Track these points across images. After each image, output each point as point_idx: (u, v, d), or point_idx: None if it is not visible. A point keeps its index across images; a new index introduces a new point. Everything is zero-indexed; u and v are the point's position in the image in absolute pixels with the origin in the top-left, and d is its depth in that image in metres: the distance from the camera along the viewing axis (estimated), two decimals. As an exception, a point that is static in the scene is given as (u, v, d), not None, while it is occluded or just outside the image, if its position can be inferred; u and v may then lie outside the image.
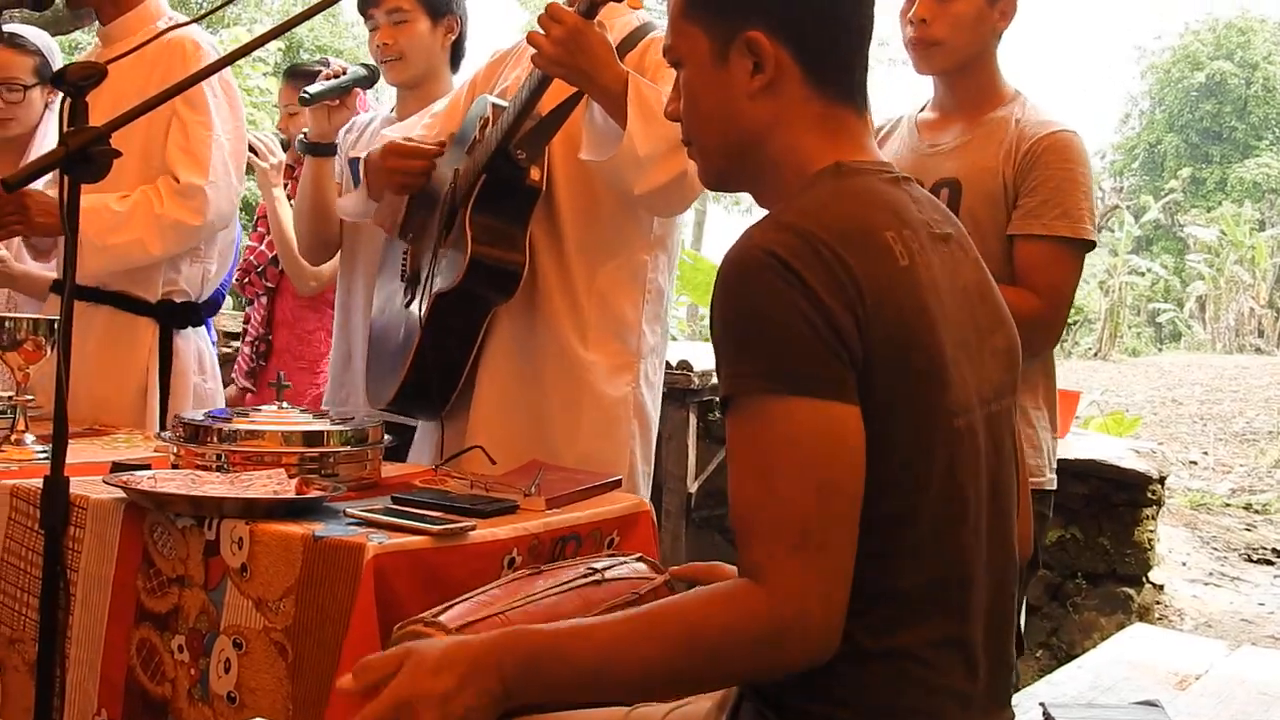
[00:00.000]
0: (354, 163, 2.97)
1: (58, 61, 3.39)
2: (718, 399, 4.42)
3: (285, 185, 3.54)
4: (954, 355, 1.45)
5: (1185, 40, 33.47)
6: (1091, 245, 2.48)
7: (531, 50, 2.33)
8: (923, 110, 2.63)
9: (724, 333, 1.42)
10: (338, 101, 3.05)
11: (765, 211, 1.55)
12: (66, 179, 1.78)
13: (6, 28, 3.11)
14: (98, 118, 1.78)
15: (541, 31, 2.28)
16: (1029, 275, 2.40)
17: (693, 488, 4.29)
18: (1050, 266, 2.42)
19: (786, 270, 1.37)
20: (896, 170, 1.56)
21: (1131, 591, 4.62)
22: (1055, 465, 2.58)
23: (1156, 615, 4.71)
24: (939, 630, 1.45)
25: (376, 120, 3.19)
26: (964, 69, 2.53)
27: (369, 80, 3.15)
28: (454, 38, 3.10)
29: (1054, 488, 2.58)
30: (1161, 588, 4.91)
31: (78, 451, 1.78)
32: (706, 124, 1.57)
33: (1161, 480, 4.82)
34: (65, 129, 1.78)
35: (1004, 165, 2.44)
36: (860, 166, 1.51)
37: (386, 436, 2.26)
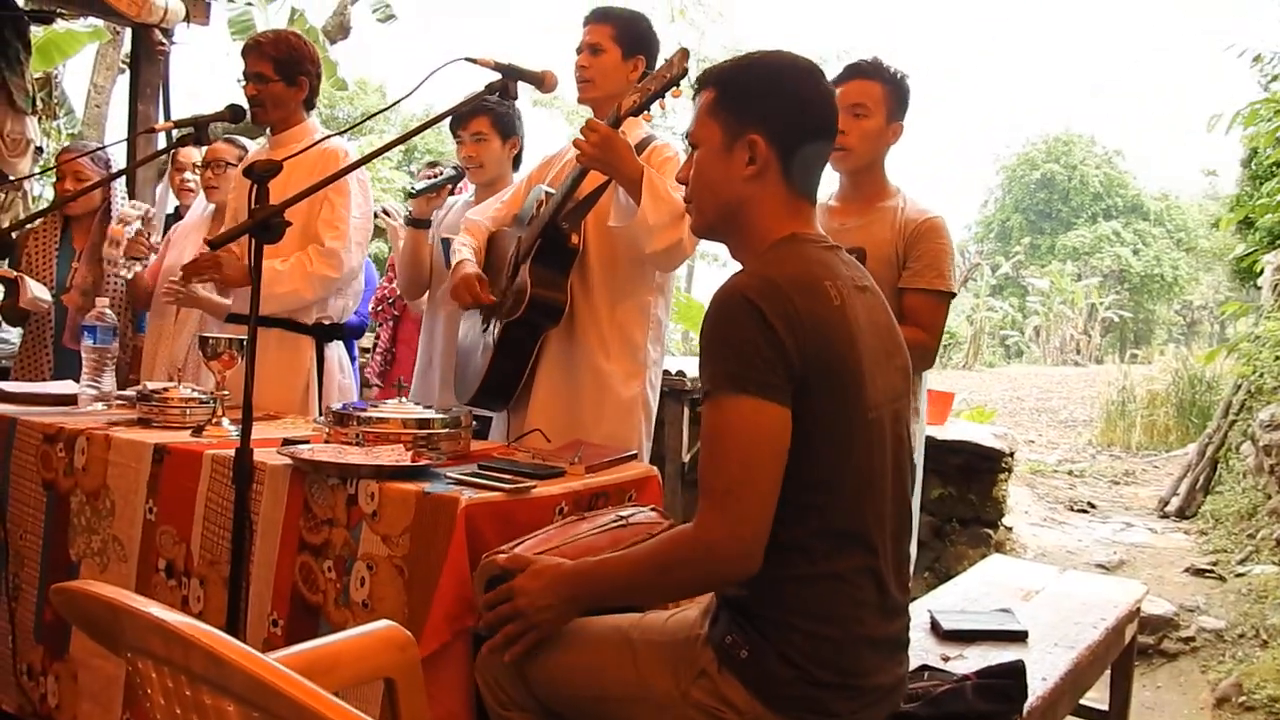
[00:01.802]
0: (445, 242, 2.96)
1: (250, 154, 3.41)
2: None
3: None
4: (869, 369, 1.46)
5: (1026, 149, 33.41)
6: (954, 295, 2.52)
7: (574, 152, 2.32)
8: (830, 200, 2.64)
9: (705, 347, 1.45)
10: (434, 194, 3.05)
11: (737, 261, 1.56)
12: (253, 241, 1.77)
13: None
14: (273, 198, 1.78)
15: (582, 138, 2.28)
16: (914, 317, 2.44)
17: (685, 459, 4.27)
18: (929, 311, 2.46)
19: (752, 306, 1.39)
20: (831, 241, 1.56)
21: (990, 531, 4.59)
22: (923, 450, 2.64)
23: (1008, 548, 4.67)
24: (860, 560, 1.45)
25: (459, 203, 3.17)
26: (864, 170, 2.54)
27: (457, 180, 3.14)
28: (516, 151, 3.09)
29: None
30: (1011, 529, 4.88)
31: (258, 431, 1.76)
32: (706, 191, 1.56)
33: (1011, 454, 4.79)
34: (252, 206, 1.78)
35: (896, 239, 2.46)
36: (808, 237, 1.52)
37: (474, 422, 2.24)
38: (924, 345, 2.42)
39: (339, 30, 10.14)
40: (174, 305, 3.13)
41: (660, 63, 2.31)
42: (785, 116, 1.50)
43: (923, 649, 2.03)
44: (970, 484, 4.58)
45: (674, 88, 2.22)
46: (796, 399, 1.38)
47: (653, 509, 1.97)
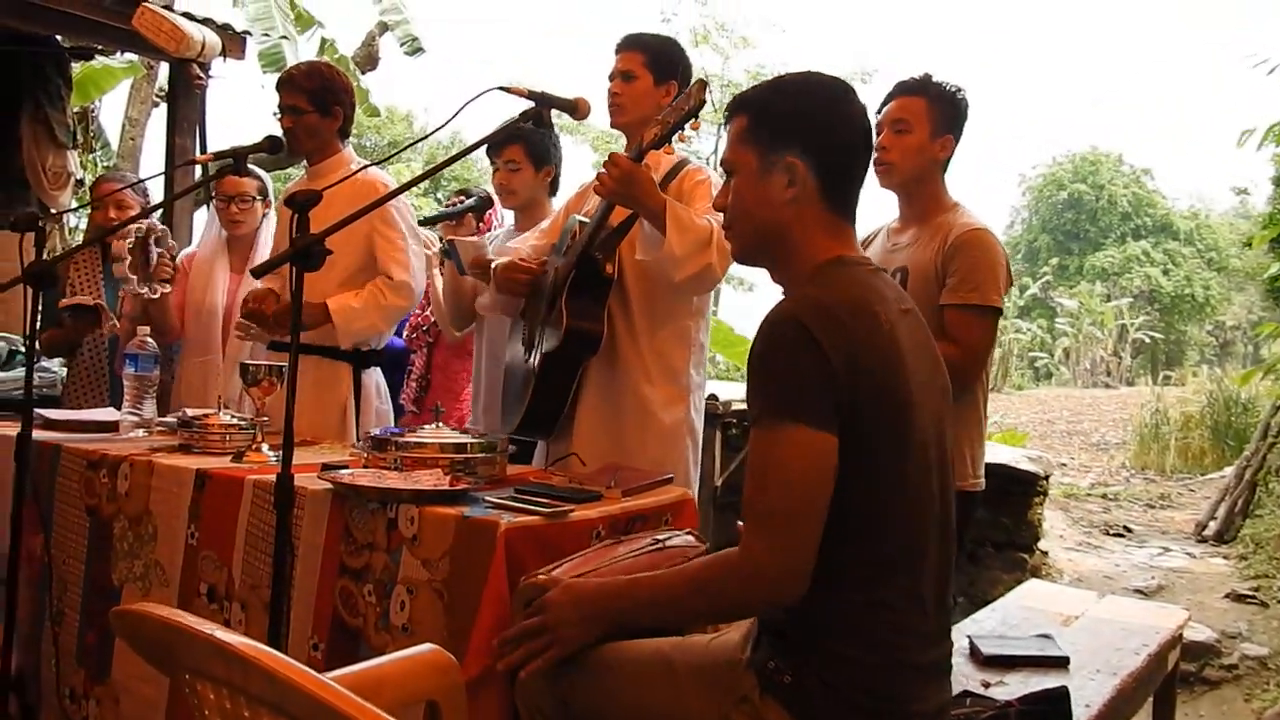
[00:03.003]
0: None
1: (269, 187, 3.46)
2: (736, 419, 4.47)
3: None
4: (917, 394, 1.45)
5: (1053, 169, 33.29)
6: (998, 311, 2.42)
7: (598, 185, 2.34)
8: (893, 221, 2.61)
9: (754, 373, 1.44)
10: (454, 224, 3.08)
11: (778, 285, 1.56)
12: (294, 269, 1.80)
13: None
14: (313, 227, 1.81)
15: (604, 171, 2.30)
16: (951, 333, 2.35)
17: (718, 482, 4.26)
18: (965, 326, 2.37)
19: (803, 332, 1.39)
20: (874, 264, 1.57)
21: (1025, 555, 4.55)
22: (981, 472, 2.51)
23: (1043, 573, 4.63)
24: (903, 585, 1.45)
25: (500, 234, 3.20)
26: (912, 185, 2.50)
27: (479, 209, 3.17)
28: (551, 178, 3.11)
29: (980, 489, 2.50)
30: (1046, 553, 4.83)
31: (296, 457, 1.77)
32: (745, 217, 1.56)
33: (1046, 477, 4.75)
34: (294, 235, 1.81)
35: (936, 257, 2.41)
36: (853, 261, 1.52)
37: (510, 446, 2.25)
38: (957, 362, 2.32)
39: (368, 61, 10.29)
40: (216, 340, 3.18)
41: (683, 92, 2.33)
42: (820, 137, 1.50)
43: (962, 675, 2.01)
44: (1004, 507, 4.54)
45: (693, 119, 2.24)
46: (846, 425, 1.37)
47: (689, 533, 1.97)
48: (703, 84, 2.24)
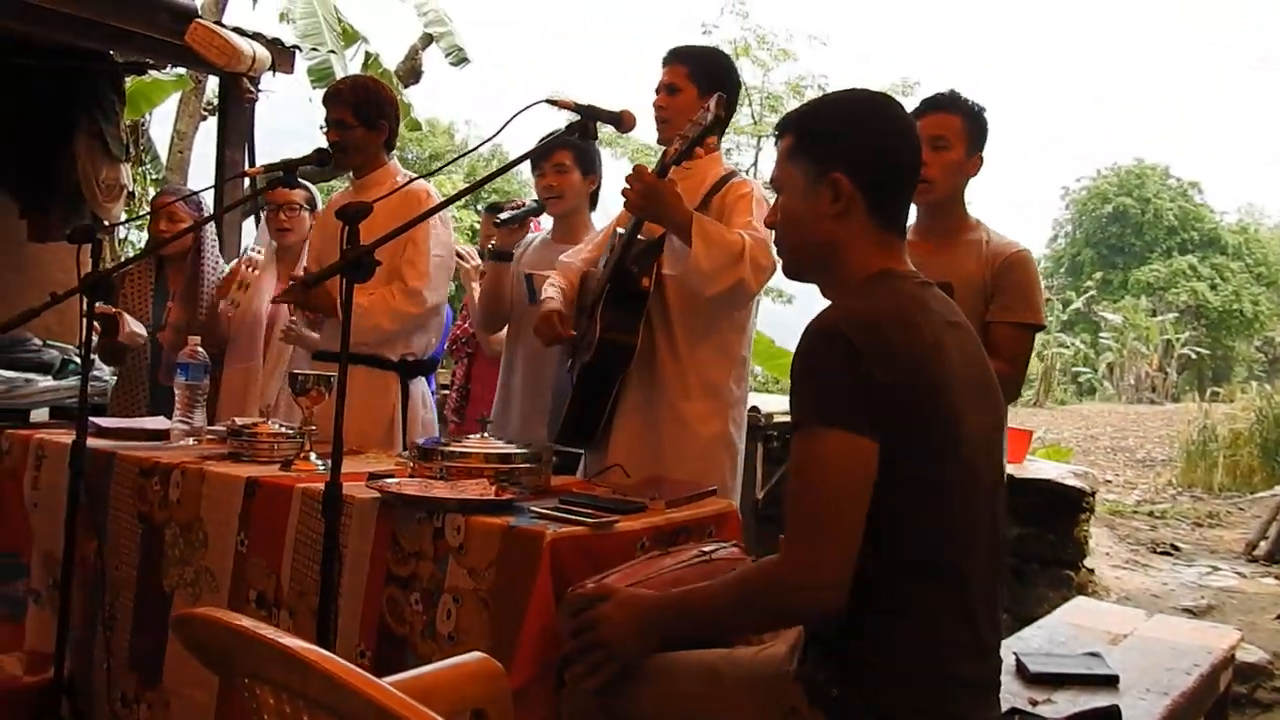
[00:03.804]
0: (528, 278, 3.00)
1: (316, 198, 3.51)
2: (777, 432, 4.46)
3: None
4: (963, 406, 1.45)
5: (1097, 182, 32.87)
6: (1042, 327, 2.51)
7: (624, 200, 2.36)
8: (909, 235, 2.61)
9: (794, 379, 1.45)
10: (517, 225, 3.10)
11: (828, 300, 1.56)
12: (344, 280, 1.82)
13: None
14: (362, 238, 1.83)
15: (628, 186, 2.31)
16: (1000, 349, 2.35)
17: (759, 495, 4.25)
18: (1015, 343, 2.43)
19: (841, 339, 1.39)
20: (922, 277, 1.56)
21: (1071, 573, 4.48)
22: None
23: (1090, 590, 4.55)
24: (951, 599, 1.44)
25: (537, 240, 3.22)
26: (944, 203, 2.51)
27: (539, 212, 3.19)
28: (594, 188, 3.12)
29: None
30: (1092, 571, 4.76)
31: (344, 466, 1.80)
32: (793, 234, 1.58)
33: (1093, 494, 4.69)
34: (344, 247, 1.83)
35: (984, 272, 2.43)
36: (901, 274, 1.52)
37: (554, 458, 2.26)
38: (1009, 378, 2.38)
39: (410, 74, 10.41)
40: (261, 346, 3.23)
41: (704, 114, 2.32)
42: (864, 152, 1.51)
43: (1009, 692, 1.98)
44: (1049, 524, 4.47)
45: (711, 134, 2.25)
46: (887, 434, 1.37)
47: (735, 545, 1.97)
48: (721, 98, 2.25)
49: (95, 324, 3.25)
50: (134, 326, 3.33)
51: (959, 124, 2.45)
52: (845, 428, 1.36)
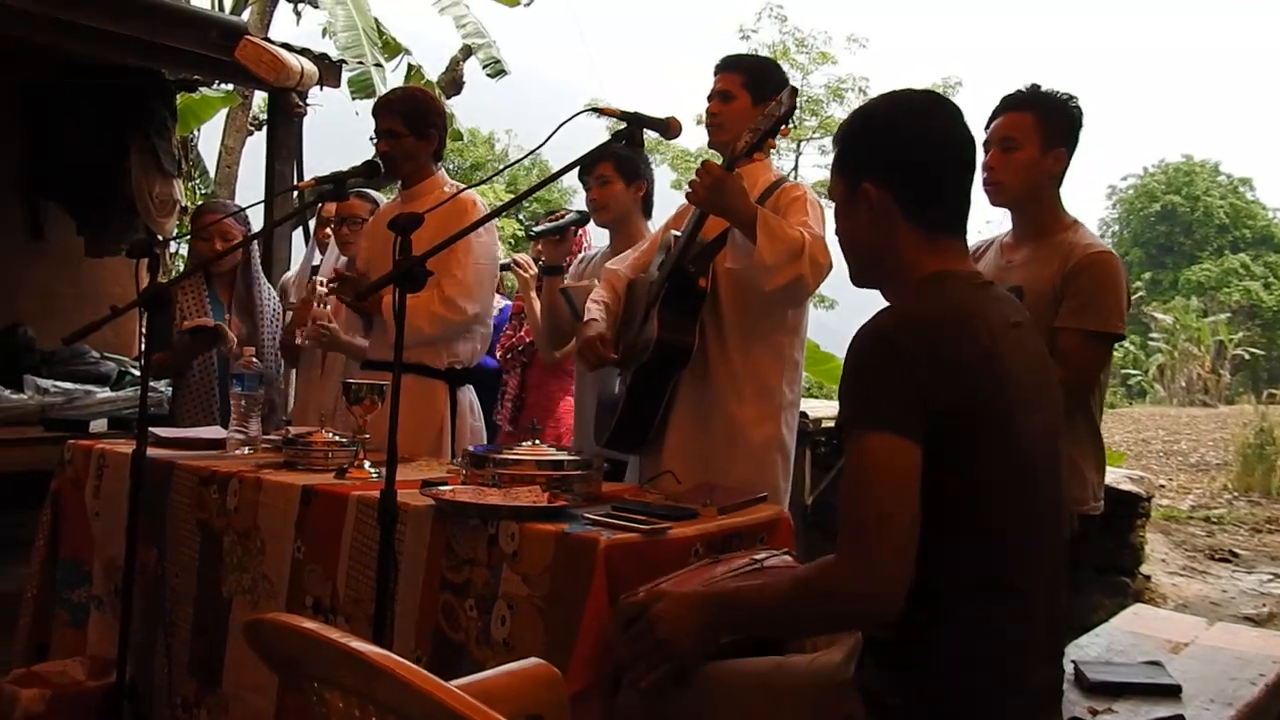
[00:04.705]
0: (565, 291, 3.02)
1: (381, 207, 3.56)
2: (825, 437, 4.43)
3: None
4: (1021, 409, 1.43)
5: (1144, 180, 32.36)
6: (1117, 336, 2.34)
7: (689, 193, 2.36)
8: (1006, 236, 2.56)
9: (843, 383, 1.45)
10: (559, 237, 3.11)
11: (856, 302, 1.56)
12: (397, 290, 1.85)
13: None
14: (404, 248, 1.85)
15: (695, 179, 2.32)
16: (1063, 356, 2.25)
17: (808, 501, 4.23)
18: (1079, 351, 2.30)
19: (889, 343, 1.39)
20: (984, 277, 1.55)
21: (1127, 580, 4.41)
22: (1101, 495, 2.43)
23: (1146, 598, 4.48)
24: (1010, 606, 1.42)
25: (597, 255, 3.23)
26: (1024, 203, 2.44)
27: (579, 222, 3.20)
28: (643, 193, 3.13)
29: (1099, 512, 2.42)
30: (1149, 578, 4.67)
31: (398, 474, 1.82)
32: (844, 243, 1.60)
33: (1149, 499, 4.61)
34: (397, 257, 1.86)
35: (1055, 277, 2.34)
36: (956, 274, 1.51)
37: (605, 464, 2.26)
38: (1066, 386, 2.30)
39: (451, 85, 10.53)
40: (319, 348, 3.27)
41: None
42: (888, 158, 1.51)
43: (1068, 700, 1.95)
44: (1105, 530, 4.40)
45: (783, 125, 2.25)
46: (939, 439, 1.36)
47: (786, 552, 1.96)
48: (793, 90, 2.26)
49: (190, 336, 3.35)
50: (234, 340, 3.42)
51: (1029, 122, 2.37)
52: (891, 431, 1.36)
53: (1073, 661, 2.15)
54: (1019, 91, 2.43)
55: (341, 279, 2.91)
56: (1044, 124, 2.38)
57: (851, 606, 1.39)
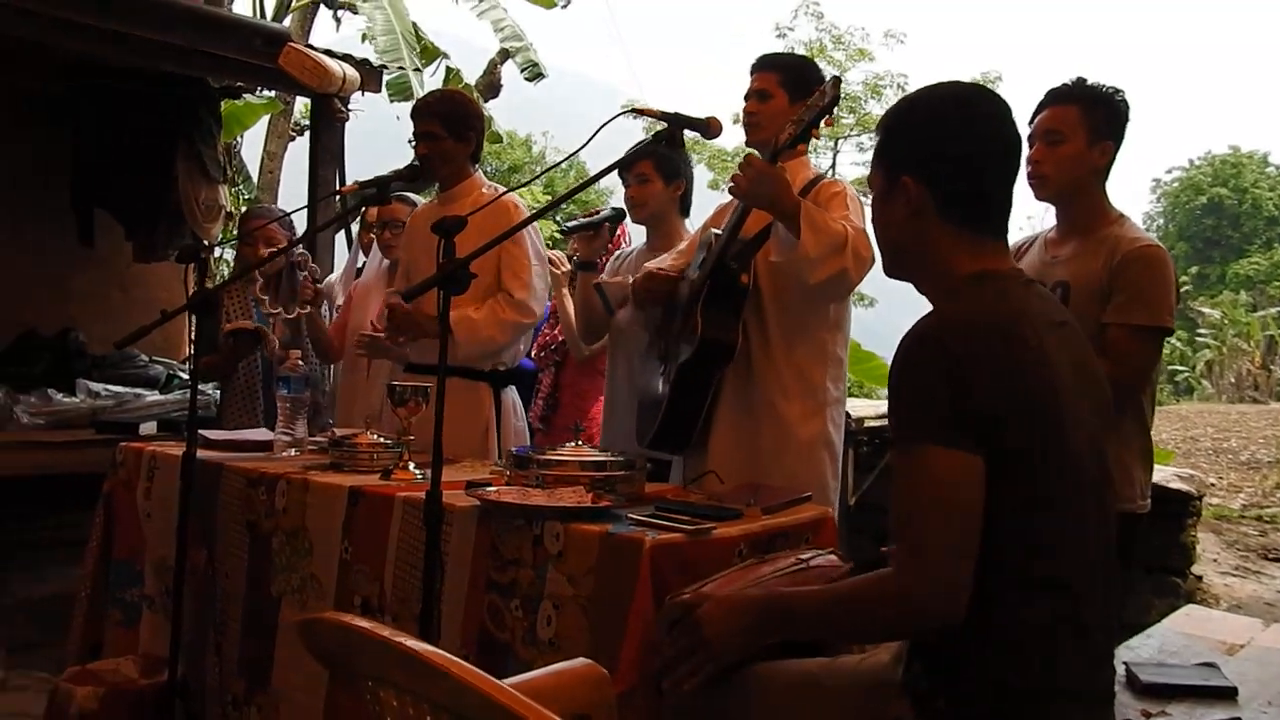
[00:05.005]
0: (599, 287, 3.03)
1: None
2: (868, 437, 4.39)
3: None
4: (1069, 410, 1.41)
5: (1190, 173, 31.80)
6: (1166, 330, 2.31)
7: (732, 187, 2.36)
8: (1050, 231, 2.53)
9: (891, 393, 1.43)
10: (592, 233, 3.12)
11: (928, 301, 1.54)
12: (441, 292, 1.86)
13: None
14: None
15: (738, 173, 2.31)
16: (1111, 352, 2.24)
17: (851, 501, 4.21)
18: (1127, 346, 2.27)
19: (937, 350, 1.37)
20: (1026, 276, 1.53)
21: (1178, 580, 4.34)
22: (1148, 494, 2.41)
23: (1198, 599, 4.40)
24: (1062, 608, 1.40)
25: (634, 253, 3.24)
26: (1069, 197, 2.41)
27: (614, 219, 3.21)
28: (681, 192, 3.13)
29: (1146, 511, 2.40)
30: (1200, 578, 4.59)
31: (442, 474, 1.84)
32: (880, 235, 1.59)
33: (1199, 497, 4.52)
34: (440, 260, 1.87)
35: (1102, 272, 2.32)
36: (998, 274, 1.49)
37: (648, 464, 2.27)
38: (1114, 382, 2.27)
39: (489, 89, 10.58)
40: (365, 359, 3.31)
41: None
42: (933, 155, 1.48)
43: (1120, 703, 1.93)
44: (1155, 529, 4.32)
45: (827, 115, 2.24)
46: (990, 444, 1.35)
47: (832, 552, 1.95)
48: (836, 80, 2.26)
49: (232, 339, 3.40)
50: (276, 342, 3.47)
51: (1074, 114, 2.35)
52: (944, 443, 1.34)
53: (1124, 663, 2.12)
54: (1064, 84, 2.41)
55: (401, 319, 2.91)
56: (1090, 117, 2.36)
57: (916, 618, 1.37)
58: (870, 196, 1.60)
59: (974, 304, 1.44)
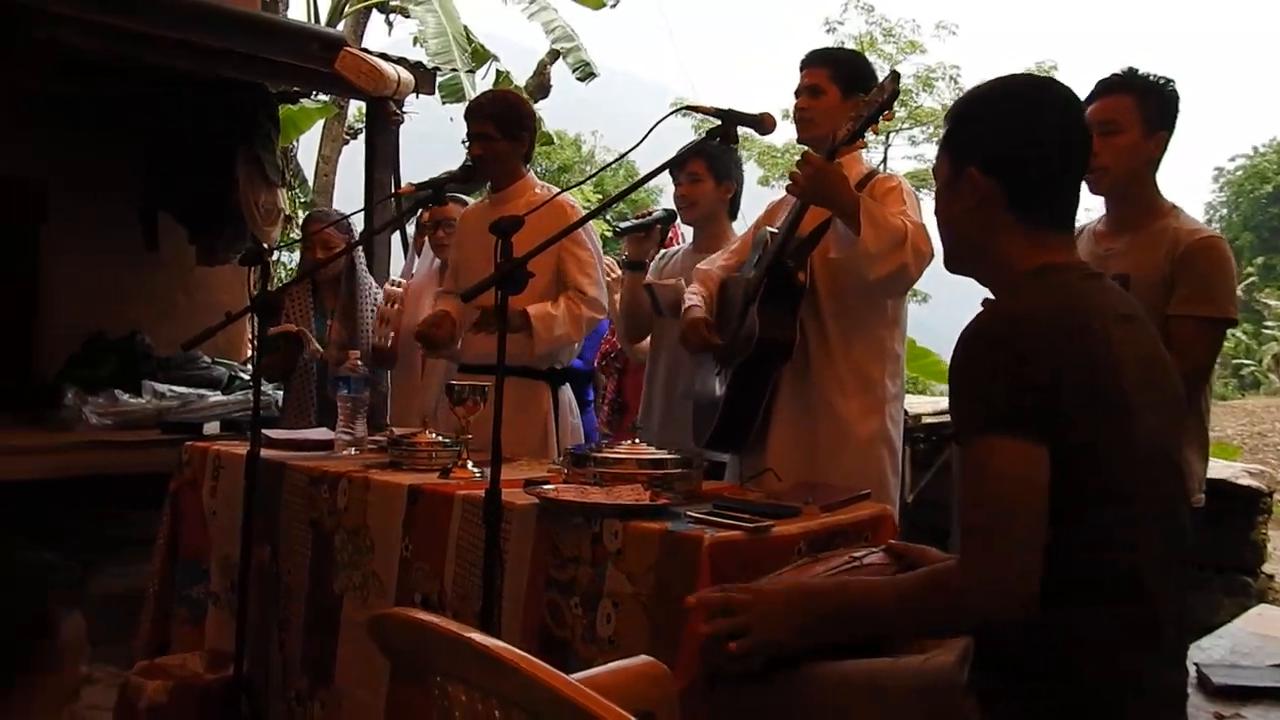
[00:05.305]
0: (649, 288, 3.03)
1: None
2: (925, 434, 4.35)
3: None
4: (1137, 404, 1.39)
5: (1254, 161, 30.97)
6: (1230, 322, 2.30)
7: (790, 185, 2.34)
8: (1098, 223, 2.50)
9: (953, 386, 1.42)
10: (644, 234, 3.13)
11: (991, 294, 1.52)
12: (499, 292, 1.88)
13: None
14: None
15: (796, 171, 2.30)
16: (1178, 345, 2.19)
17: (908, 499, 4.17)
18: (1194, 338, 2.26)
19: (999, 342, 1.36)
20: (1092, 269, 1.50)
21: (1249, 579, 4.23)
22: (1204, 488, 2.38)
23: (1270, 598, 4.28)
24: (1131, 605, 1.38)
25: (679, 253, 3.24)
26: (1125, 189, 2.38)
27: (666, 220, 3.21)
28: (731, 194, 3.13)
29: (1202, 505, 2.37)
30: (1272, 577, 4.47)
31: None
32: (943, 227, 1.57)
33: (1271, 494, 4.41)
34: (499, 260, 1.89)
35: (1165, 264, 2.29)
36: (1064, 267, 1.47)
37: (705, 462, 2.26)
38: (1184, 377, 2.25)
39: (539, 89, 10.65)
40: (420, 361, 3.35)
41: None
42: (1001, 147, 1.46)
43: (1192, 705, 1.88)
44: (1223, 527, 4.22)
45: (886, 110, 2.22)
46: (1054, 436, 1.33)
47: (885, 549, 1.93)
48: (895, 75, 2.25)
49: (279, 342, 3.47)
50: (316, 344, 3.53)
51: (1129, 104, 2.32)
52: (1008, 434, 1.32)
53: (1195, 664, 2.08)
54: (1115, 74, 2.39)
55: (484, 312, 2.93)
56: (1144, 107, 2.34)
57: (981, 612, 1.35)
58: (933, 189, 1.58)
59: (1037, 297, 1.42)
